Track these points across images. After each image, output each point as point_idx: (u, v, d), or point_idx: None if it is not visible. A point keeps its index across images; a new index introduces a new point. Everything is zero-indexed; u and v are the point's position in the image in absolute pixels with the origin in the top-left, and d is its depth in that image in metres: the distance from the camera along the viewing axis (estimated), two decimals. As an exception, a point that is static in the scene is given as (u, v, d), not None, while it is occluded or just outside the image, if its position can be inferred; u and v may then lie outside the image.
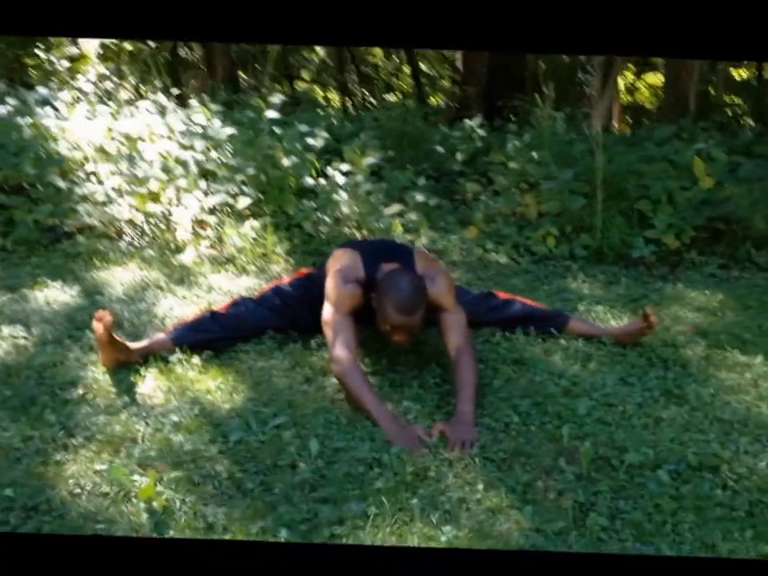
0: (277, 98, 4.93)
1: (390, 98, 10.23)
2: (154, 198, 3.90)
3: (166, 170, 3.98)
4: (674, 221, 4.08)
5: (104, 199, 3.83)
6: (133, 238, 3.75)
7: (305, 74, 13.10)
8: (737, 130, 5.58)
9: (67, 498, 1.87)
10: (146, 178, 3.92)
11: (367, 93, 12.10)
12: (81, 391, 2.35)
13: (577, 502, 1.90)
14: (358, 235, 3.89)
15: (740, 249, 4.09)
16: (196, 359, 2.52)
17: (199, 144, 4.22)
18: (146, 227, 3.77)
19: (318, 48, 12.09)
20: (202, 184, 3.95)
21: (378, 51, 12.48)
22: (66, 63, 5.78)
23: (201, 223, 3.82)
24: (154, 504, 1.84)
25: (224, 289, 3.25)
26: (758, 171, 4.50)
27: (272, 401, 2.34)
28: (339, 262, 2.58)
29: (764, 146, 5.10)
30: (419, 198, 4.26)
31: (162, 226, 3.79)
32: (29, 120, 4.32)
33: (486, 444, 2.15)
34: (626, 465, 2.05)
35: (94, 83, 5.52)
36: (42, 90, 4.87)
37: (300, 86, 12.77)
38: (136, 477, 1.94)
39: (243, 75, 9.97)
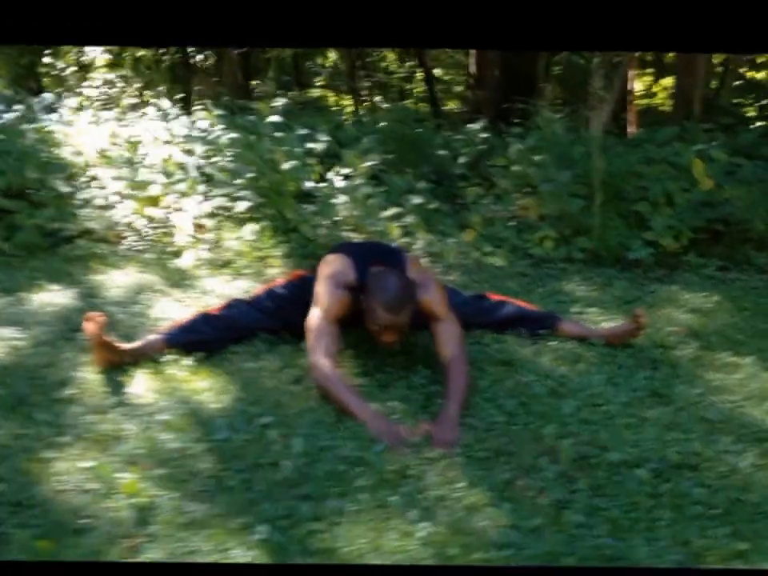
0: (279, 103, 4.97)
1: (403, 102, 10.25)
2: (154, 202, 3.94)
3: (166, 174, 4.03)
4: (672, 222, 4.08)
5: (105, 203, 3.88)
6: (132, 242, 3.79)
7: (317, 80, 13.18)
8: (741, 131, 5.55)
9: (53, 494, 1.91)
10: (146, 182, 3.97)
11: (380, 98, 12.14)
12: (72, 391, 2.38)
13: (555, 500, 1.92)
14: (355, 238, 3.92)
15: (739, 251, 4.09)
16: (187, 360, 2.55)
17: (200, 148, 4.27)
18: (145, 231, 3.82)
19: (330, 53, 12.15)
20: (202, 188, 4.00)
21: (390, 55, 12.51)
22: (73, 69, 5.85)
23: (200, 227, 3.87)
24: (138, 500, 1.88)
25: (219, 292, 3.29)
26: (758, 173, 4.49)
27: (259, 400, 2.37)
28: (330, 267, 2.60)
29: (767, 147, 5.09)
30: (417, 201, 4.28)
31: (162, 230, 3.84)
32: (33, 126, 4.39)
33: (469, 443, 2.17)
34: (606, 463, 2.07)
35: (98, 88, 5.58)
36: (47, 96, 4.94)
37: (312, 92, 12.85)
38: (121, 474, 1.97)
39: (255, 81, 10.04)
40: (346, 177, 4.26)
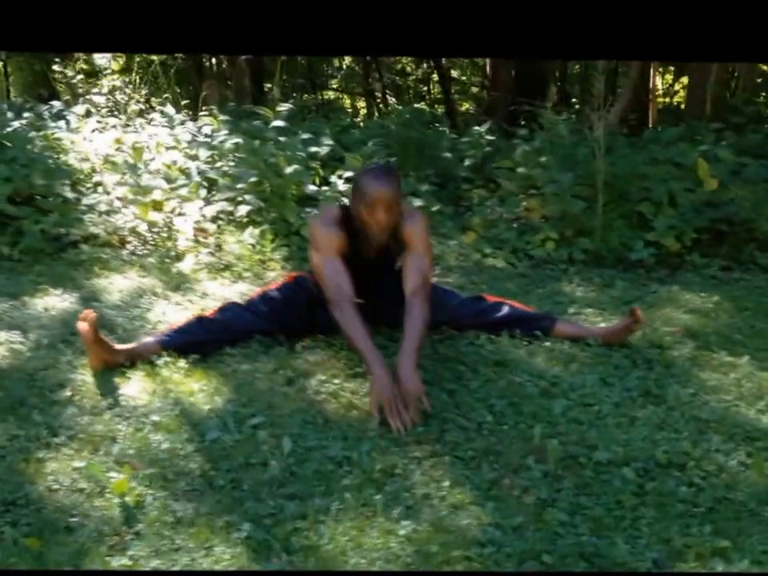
0: (285, 108, 5.01)
1: (416, 105, 10.28)
2: (157, 206, 3.99)
3: (169, 179, 4.07)
4: (674, 223, 4.07)
5: (108, 209, 3.93)
6: (135, 247, 3.84)
7: (332, 82, 13.24)
8: (749, 131, 5.52)
9: (45, 494, 1.94)
10: (149, 187, 4.01)
11: (395, 100, 12.17)
12: (69, 393, 2.42)
13: (540, 499, 1.92)
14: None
15: (743, 251, 4.07)
16: (182, 362, 2.58)
17: (204, 153, 4.32)
18: (148, 236, 3.86)
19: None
20: (204, 192, 4.04)
21: (405, 58, 12.52)
22: (80, 77, 5.93)
23: (202, 231, 3.91)
24: (127, 499, 1.91)
25: (219, 295, 3.32)
26: (762, 172, 4.47)
27: (252, 402, 2.39)
28: (318, 217, 2.79)
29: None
30: (418, 203, 4.30)
31: (164, 234, 3.88)
32: (41, 133, 4.45)
33: (458, 442, 2.18)
34: (593, 462, 2.07)
35: (105, 94, 5.65)
36: (56, 104, 5.01)
37: (327, 94, 12.91)
38: (112, 474, 2.00)
39: (267, 84, 10.09)
40: (348, 180, 4.28)
